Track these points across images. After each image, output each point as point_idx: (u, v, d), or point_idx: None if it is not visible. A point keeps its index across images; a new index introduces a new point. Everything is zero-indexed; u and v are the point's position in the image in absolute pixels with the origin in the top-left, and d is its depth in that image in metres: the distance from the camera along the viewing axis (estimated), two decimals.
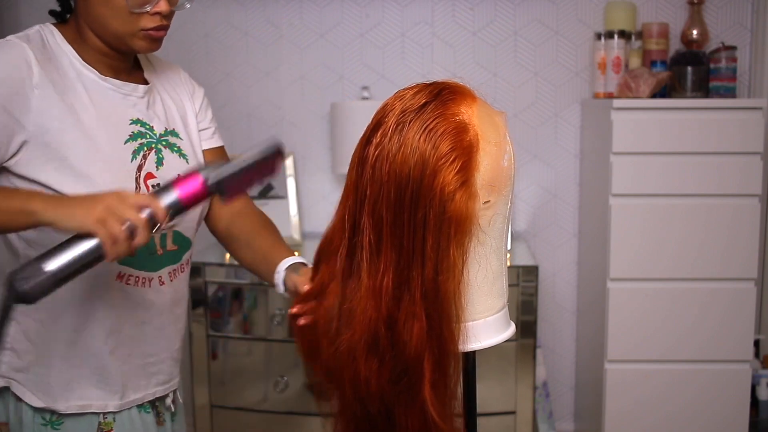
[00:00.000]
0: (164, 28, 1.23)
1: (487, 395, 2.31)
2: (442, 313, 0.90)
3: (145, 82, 1.34)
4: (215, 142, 1.46)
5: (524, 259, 2.41)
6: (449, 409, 0.94)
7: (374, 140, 0.92)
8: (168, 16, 1.23)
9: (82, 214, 0.99)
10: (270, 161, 1.09)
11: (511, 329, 1.01)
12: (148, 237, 1.01)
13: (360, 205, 0.93)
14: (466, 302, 0.94)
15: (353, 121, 2.49)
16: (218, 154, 1.46)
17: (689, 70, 2.38)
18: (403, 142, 0.90)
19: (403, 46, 2.68)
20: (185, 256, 1.36)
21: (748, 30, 2.61)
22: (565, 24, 2.65)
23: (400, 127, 0.91)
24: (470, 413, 1.06)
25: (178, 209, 1.05)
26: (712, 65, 2.40)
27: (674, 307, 2.27)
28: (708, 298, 2.26)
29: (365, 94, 2.66)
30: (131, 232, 1.00)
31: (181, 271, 1.36)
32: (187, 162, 1.35)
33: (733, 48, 2.41)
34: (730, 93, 2.38)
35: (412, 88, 0.95)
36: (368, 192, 0.91)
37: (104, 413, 1.29)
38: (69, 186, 1.17)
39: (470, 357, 1.03)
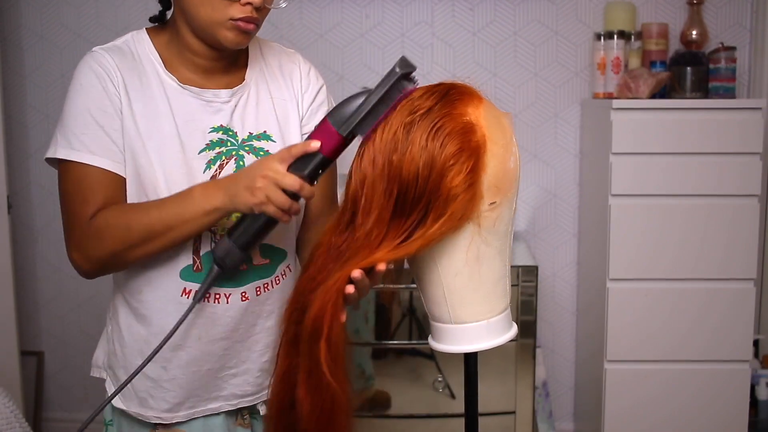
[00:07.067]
0: (254, 21, 1.16)
1: (487, 395, 2.31)
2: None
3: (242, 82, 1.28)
4: None
5: (524, 259, 2.41)
6: (341, 368, 0.96)
7: (381, 140, 0.92)
8: (260, 10, 1.16)
9: (246, 195, 1.07)
10: (397, 86, 0.99)
11: (513, 330, 1.01)
12: (312, 191, 1.07)
13: (361, 202, 0.93)
14: (458, 303, 0.94)
15: None
16: None
17: (689, 71, 2.38)
18: (412, 142, 0.90)
19: (403, 47, 2.68)
20: (280, 268, 1.30)
21: (747, 30, 2.61)
22: (564, 24, 2.65)
23: (408, 127, 0.91)
24: (471, 413, 1.06)
25: (323, 164, 1.07)
26: (711, 65, 2.41)
27: (674, 307, 2.27)
28: (708, 298, 2.26)
29: None
30: (294, 194, 1.06)
31: (276, 283, 1.30)
32: None
33: (733, 48, 2.42)
34: (730, 93, 2.38)
35: (419, 89, 0.96)
36: (373, 191, 0.91)
37: (156, 424, 1.28)
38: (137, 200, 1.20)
39: (472, 358, 1.04)
